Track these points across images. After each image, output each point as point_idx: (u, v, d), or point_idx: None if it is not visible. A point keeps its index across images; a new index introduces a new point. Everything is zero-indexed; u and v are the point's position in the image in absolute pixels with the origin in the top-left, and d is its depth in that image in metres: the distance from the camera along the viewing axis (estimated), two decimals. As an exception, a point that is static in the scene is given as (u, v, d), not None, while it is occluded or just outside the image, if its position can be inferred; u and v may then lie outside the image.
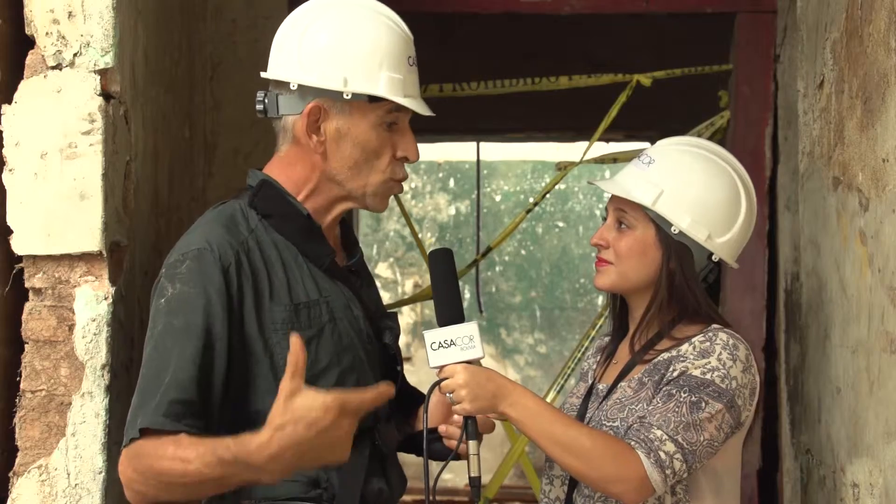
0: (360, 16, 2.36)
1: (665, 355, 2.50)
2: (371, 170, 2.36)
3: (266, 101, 2.37)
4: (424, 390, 2.41)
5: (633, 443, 2.36)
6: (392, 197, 2.48)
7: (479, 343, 2.36)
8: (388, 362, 2.46)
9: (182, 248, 2.28)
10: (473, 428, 2.36)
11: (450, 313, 2.37)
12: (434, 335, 2.36)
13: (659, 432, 2.36)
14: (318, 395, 2.01)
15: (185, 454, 2.11)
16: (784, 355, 3.73)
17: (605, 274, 2.60)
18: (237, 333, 2.24)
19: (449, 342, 2.35)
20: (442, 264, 2.41)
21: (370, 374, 2.38)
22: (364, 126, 2.34)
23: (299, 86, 2.33)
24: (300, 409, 2.01)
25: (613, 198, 2.61)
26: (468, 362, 2.35)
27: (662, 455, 2.34)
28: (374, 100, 2.32)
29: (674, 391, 2.41)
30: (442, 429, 2.45)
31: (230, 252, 2.26)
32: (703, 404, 2.39)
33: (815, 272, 3.13)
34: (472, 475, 2.34)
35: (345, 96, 2.31)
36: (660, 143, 2.67)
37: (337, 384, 2.30)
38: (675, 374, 2.44)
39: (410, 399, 2.57)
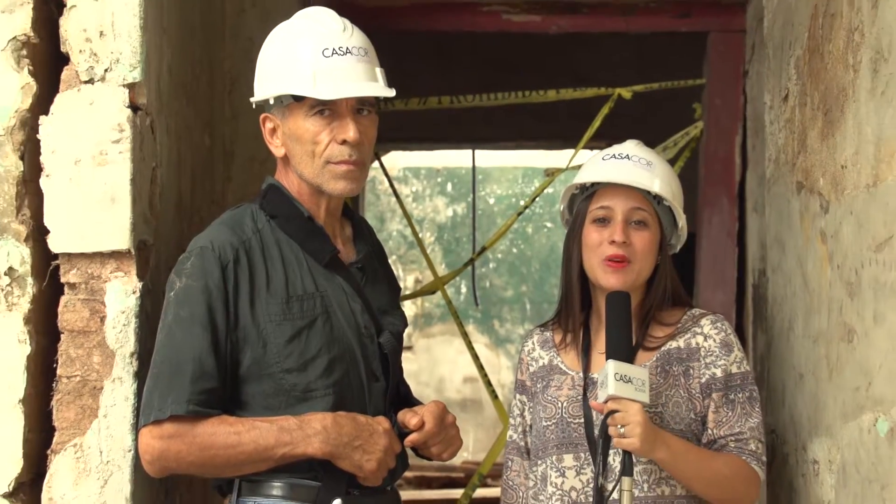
0: (282, 27, 2.43)
1: (673, 344, 2.52)
2: (313, 156, 2.37)
3: None
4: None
5: (746, 458, 2.45)
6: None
7: (648, 390, 2.36)
8: (384, 360, 2.44)
9: (190, 246, 2.37)
10: (630, 464, 2.33)
11: (624, 352, 2.39)
12: (619, 367, 2.35)
13: (754, 443, 2.47)
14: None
15: (237, 428, 2.24)
16: (752, 344, 3.74)
17: (625, 273, 2.50)
18: (234, 323, 2.30)
19: (628, 378, 2.34)
20: (620, 306, 2.44)
21: (361, 364, 2.38)
22: (298, 121, 2.37)
23: (255, 104, 2.43)
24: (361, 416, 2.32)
25: (626, 196, 2.52)
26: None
27: (763, 458, 2.48)
28: (298, 98, 2.35)
29: (731, 396, 2.49)
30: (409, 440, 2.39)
31: (230, 251, 2.33)
32: (753, 392, 2.51)
33: (780, 268, 3.13)
34: None
35: (270, 102, 2.38)
36: (631, 146, 2.62)
37: (326, 371, 2.33)
38: (720, 375, 2.49)
39: (405, 403, 2.52)
